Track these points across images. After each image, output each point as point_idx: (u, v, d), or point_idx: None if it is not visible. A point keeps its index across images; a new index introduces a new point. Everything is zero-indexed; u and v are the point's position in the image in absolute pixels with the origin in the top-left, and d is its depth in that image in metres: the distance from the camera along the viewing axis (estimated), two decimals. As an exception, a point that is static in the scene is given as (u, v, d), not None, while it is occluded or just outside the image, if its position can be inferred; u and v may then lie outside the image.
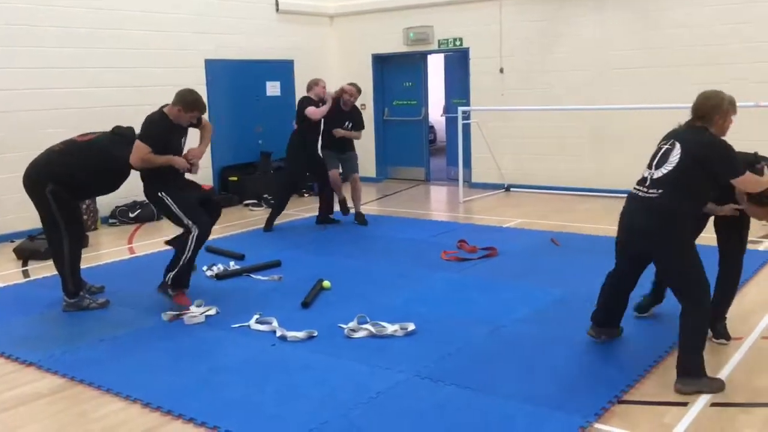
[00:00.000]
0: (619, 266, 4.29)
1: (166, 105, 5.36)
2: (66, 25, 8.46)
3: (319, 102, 8.09)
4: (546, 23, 10.16)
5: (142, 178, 5.40)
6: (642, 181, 3.94)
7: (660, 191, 3.80)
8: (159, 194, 5.30)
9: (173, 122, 5.29)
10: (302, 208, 9.50)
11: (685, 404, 3.61)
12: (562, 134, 10.17)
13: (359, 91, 8.43)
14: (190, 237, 5.29)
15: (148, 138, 5.18)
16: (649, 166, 3.94)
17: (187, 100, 5.24)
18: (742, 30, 8.68)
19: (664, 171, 3.82)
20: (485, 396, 3.75)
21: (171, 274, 5.31)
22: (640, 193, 3.91)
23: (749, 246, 6.40)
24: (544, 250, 6.83)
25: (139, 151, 5.13)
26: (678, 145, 3.84)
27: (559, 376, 4.00)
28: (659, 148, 3.96)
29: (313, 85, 8.25)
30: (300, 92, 11.41)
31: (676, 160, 3.79)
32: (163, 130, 5.26)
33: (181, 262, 5.29)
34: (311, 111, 7.93)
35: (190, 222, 5.29)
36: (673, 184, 3.78)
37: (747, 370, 4.03)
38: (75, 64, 8.50)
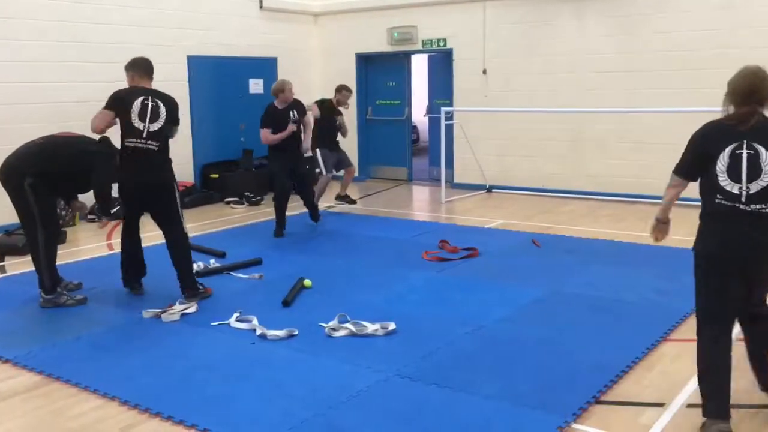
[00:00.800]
0: (730, 309, 3.36)
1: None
2: (44, 17, 8.35)
3: (285, 109, 7.63)
4: (529, 26, 10.22)
5: (162, 164, 5.39)
6: (736, 198, 3.22)
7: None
8: (174, 183, 5.48)
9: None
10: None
11: (662, 405, 3.64)
12: (544, 136, 10.23)
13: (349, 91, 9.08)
14: (185, 235, 5.54)
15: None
16: (737, 180, 3.22)
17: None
18: (718, 36, 8.78)
19: (764, 183, 3.18)
20: (465, 395, 3.76)
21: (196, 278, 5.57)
22: (743, 207, 3.21)
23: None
24: (525, 251, 6.87)
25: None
26: (763, 149, 3.20)
27: (538, 376, 4.02)
28: (736, 156, 3.22)
29: (278, 91, 7.64)
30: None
31: None
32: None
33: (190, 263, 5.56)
34: (264, 136, 7.58)
35: (183, 218, 5.54)
36: None
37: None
38: (53, 58, 8.39)
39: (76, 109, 8.14)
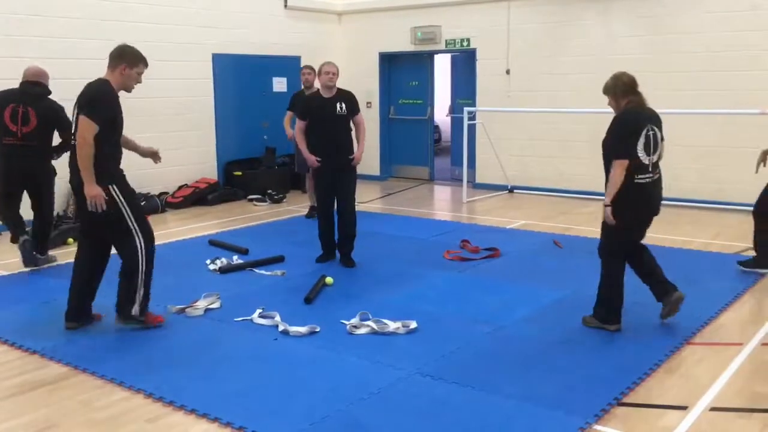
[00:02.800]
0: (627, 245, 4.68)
1: None
2: (70, 15, 8.47)
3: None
4: (553, 26, 10.18)
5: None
6: (647, 168, 4.47)
7: (659, 172, 4.60)
8: (110, 187, 4.55)
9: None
10: (306, 204, 9.52)
11: (684, 408, 3.63)
12: (566, 137, 10.18)
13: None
14: (139, 251, 4.64)
15: None
16: (648, 153, 4.47)
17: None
18: (747, 37, 8.70)
19: (657, 157, 4.52)
20: (486, 395, 3.77)
21: (135, 306, 4.67)
22: (653, 178, 4.55)
23: (750, 253, 6.43)
24: (547, 252, 6.85)
25: None
26: (657, 130, 4.55)
27: (559, 376, 4.02)
28: (648, 135, 4.46)
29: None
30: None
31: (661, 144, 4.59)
32: None
33: (138, 285, 4.65)
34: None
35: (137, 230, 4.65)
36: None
37: (746, 375, 4.05)
38: (79, 55, 8.46)
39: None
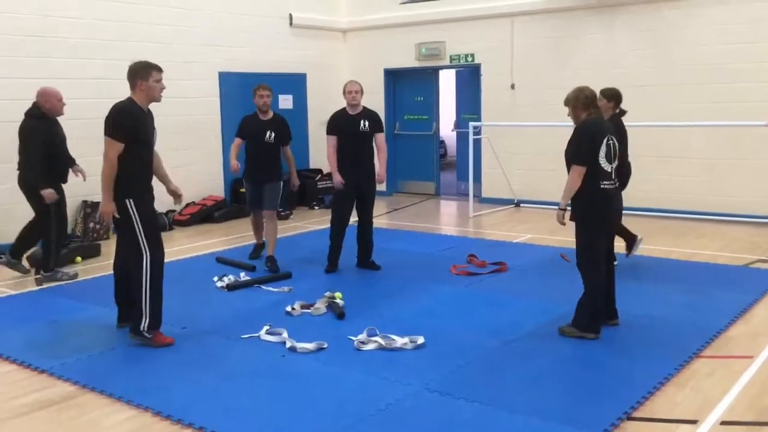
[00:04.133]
0: (602, 252, 4.82)
1: None
2: (75, 35, 8.54)
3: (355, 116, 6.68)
4: (557, 40, 10.22)
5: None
6: (610, 175, 4.73)
7: (616, 180, 4.82)
8: (127, 201, 4.68)
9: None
10: (312, 221, 9.54)
11: (694, 422, 3.60)
12: (572, 151, 10.17)
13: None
14: (143, 268, 4.70)
15: None
16: (609, 161, 4.71)
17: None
18: (749, 49, 8.72)
19: (616, 165, 4.79)
20: (494, 410, 3.75)
21: (143, 323, 4.73)
22: (615, 185, 4.82)
23: (757, 266, 6.42)
24: (554, 266, 6.84)
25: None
26: (615, 140, 4.79)
27: (568, 391, 4.00)
28: (609, 144, 4.71)
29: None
30: (312, 105, 11.54)
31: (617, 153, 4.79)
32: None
33: (144, 302, 4.71)
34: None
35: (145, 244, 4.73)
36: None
37: (757, 388, 4.02)
38: (84, 75, 8.54)
39: (102, 127, 8.25)
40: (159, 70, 4.83)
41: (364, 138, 6.62)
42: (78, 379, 4.27)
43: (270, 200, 6.96)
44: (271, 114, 7.05)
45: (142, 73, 4.76)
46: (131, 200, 4.68)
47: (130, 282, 4.85)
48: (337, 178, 6.57)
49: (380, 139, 6.76)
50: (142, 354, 4.68)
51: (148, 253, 4.70)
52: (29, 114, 6.41)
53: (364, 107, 6.72)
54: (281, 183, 7.08)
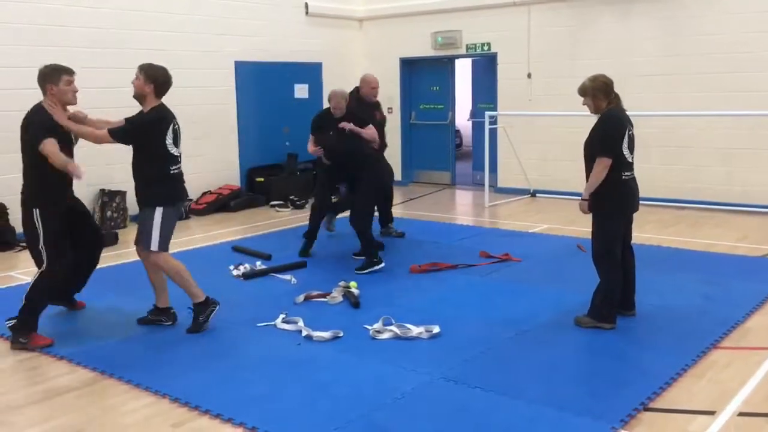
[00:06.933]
0: (619, 243, 4.79)
1: None
2: (93, 26, 8.57)
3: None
4: (573, 29, 10.13)
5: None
6: (631, 166, 4.74)
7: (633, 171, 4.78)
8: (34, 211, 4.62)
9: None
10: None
11: (712, 413, 3.58)
12: (589, 140, 10.10)
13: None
14: (37, 275, 4.70)
15: None
16: (631, 151, 4.72)
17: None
18: (767, 38, 8.59)
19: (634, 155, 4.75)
20: (509, 399, 3.75)
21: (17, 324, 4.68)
22: (634, 174, 4.81)
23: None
24: (570, 256, 6.81)
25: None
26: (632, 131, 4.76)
27: (583, 381, 3.99)
28: (630, 135, 4.71)
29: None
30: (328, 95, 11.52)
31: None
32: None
33: (24, 304, 4.66)
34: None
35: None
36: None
37: (775, 380, 3.99)
38: (100, 64, 8.53)
39: (117, 115, 8.28)
40: (70, 73, 4.71)
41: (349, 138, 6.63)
42: (96, 365, 4.32)
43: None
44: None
45: (52, 76, 4.64)
46: (37, 210, 4.59)
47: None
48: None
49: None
50: (161, 342, 4.72)
51: (44, 265, 4.64)
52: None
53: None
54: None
